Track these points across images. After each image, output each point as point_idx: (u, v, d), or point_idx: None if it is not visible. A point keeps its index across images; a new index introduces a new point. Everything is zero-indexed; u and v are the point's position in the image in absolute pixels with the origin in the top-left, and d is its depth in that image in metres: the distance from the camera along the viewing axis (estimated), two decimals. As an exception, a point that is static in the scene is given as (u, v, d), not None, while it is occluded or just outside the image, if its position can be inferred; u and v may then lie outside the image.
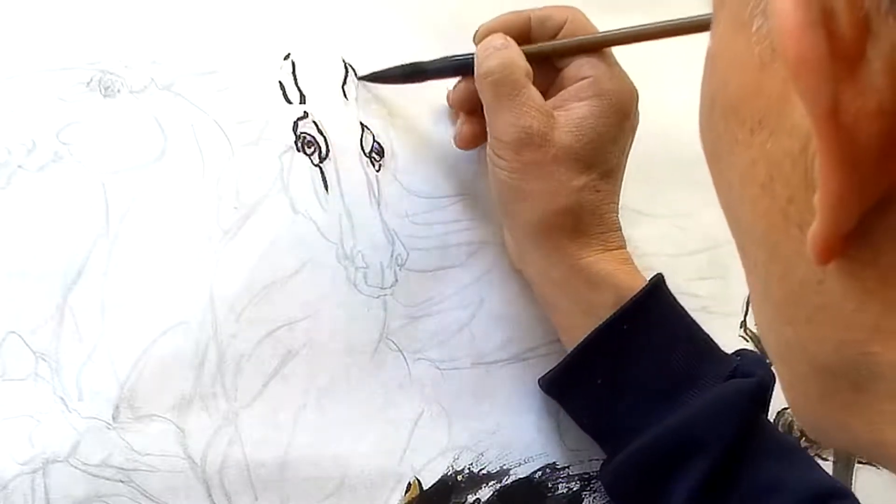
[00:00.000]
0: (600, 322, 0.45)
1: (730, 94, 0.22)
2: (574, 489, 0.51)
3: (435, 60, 0.48)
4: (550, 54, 0.47)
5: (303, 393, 0.44)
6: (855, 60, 0.17)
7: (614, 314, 0.45)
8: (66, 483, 0.38)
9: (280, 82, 0.46)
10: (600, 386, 0.46)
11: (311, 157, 0.46)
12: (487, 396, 0.49)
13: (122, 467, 0.39)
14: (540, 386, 0.49)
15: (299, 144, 0.46)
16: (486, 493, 0.48)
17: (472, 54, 0.46)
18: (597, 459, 0.50)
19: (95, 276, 0.40)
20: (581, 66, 0.46)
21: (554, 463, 0.50)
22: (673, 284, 0.47)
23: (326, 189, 0.46)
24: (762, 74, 0.20)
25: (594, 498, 0.51)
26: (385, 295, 0.47)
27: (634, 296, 0.45)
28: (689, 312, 0.47)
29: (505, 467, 0.49)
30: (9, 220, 0.39)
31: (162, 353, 0.41)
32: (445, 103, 0.51)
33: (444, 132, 0.50)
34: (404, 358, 0.47)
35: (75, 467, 0.39)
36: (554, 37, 0.47)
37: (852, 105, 0.17)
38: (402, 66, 0.48)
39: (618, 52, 0.47)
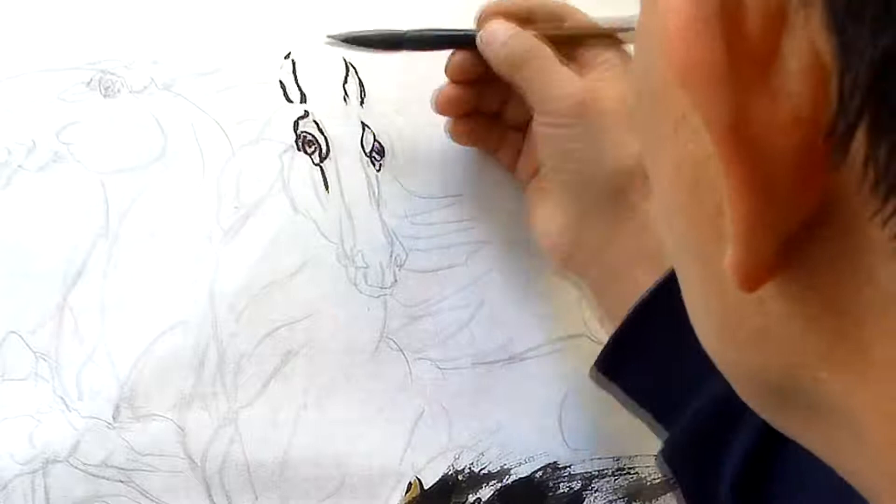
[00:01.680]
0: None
1: (653, 78, 0.19)
2: (575, 488, 0.51)
3: (422, 30, 0.46)
4: (568, 39, 0.46)
5: (303, 393, 0.44)
6: (765, 61, 0.14)
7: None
8: (66, 483, 0.39)
9: (280, 81, 0.46)
10: (667, 338, 0.44)
11: (312, 157, 0.46)
12: (488, 396, 0.49)
13: (122, 467, 0.40)
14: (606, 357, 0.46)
15: (300, 144, 0.46)
16: (486, 492, 0.48)
17: (469, 31, 0.46)
18: (598, 458, 0.50)
19: (95, 276, 0.40)
20: (599, 53, 0.45)
21: (555, 462, 0.50)
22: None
23: (327, 189, 0.46)
24: None
25: (595, 497, 0.51)
26: (385, 295, 0.47)
27: None
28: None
29: (506, 467, 0.49)
30: (9, 220, 0.40)
31: (162, 352, 0.41)
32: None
33: (445, 132, 0.50)
34: (405, 358, 0.47)
35: (75, 467, 0.39)
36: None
37: (761, 115, 0.14)
38: (385, 32, 0.46)
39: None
